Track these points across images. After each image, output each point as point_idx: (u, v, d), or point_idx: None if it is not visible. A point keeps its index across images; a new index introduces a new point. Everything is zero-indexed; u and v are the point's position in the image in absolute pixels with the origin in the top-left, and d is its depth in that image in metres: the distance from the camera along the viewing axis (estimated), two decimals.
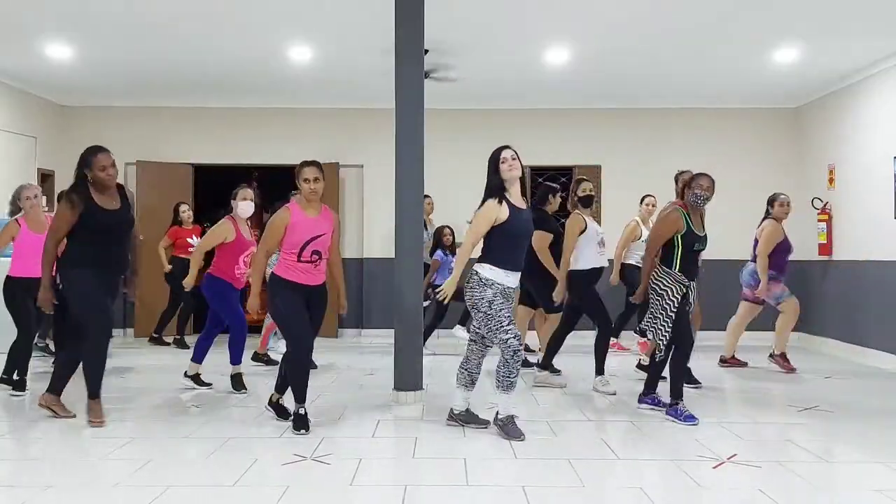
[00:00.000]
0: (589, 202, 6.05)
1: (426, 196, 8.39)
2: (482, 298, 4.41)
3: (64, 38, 6.98)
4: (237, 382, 5.79)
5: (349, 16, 6.28)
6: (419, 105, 5.55)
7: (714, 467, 3.90)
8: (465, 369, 4.71)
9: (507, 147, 4.54)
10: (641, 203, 7.71)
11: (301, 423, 4.54)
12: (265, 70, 7.98)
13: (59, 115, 9.51)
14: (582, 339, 6.86)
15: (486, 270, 4.44)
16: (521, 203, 4.55)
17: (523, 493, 3.46)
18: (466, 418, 4.74)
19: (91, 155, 4.63)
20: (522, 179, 4.59)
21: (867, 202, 7.75)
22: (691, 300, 5.01)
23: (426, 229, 8.33)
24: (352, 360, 7.55)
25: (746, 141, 9.48)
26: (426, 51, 6.03)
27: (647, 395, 5.19)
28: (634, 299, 5.33)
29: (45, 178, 9.16)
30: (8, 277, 5.76)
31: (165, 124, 9.51)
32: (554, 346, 6.13)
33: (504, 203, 4.45)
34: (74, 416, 4.83)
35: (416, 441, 4.40)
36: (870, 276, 7.59)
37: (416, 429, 4.73)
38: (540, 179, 9.59)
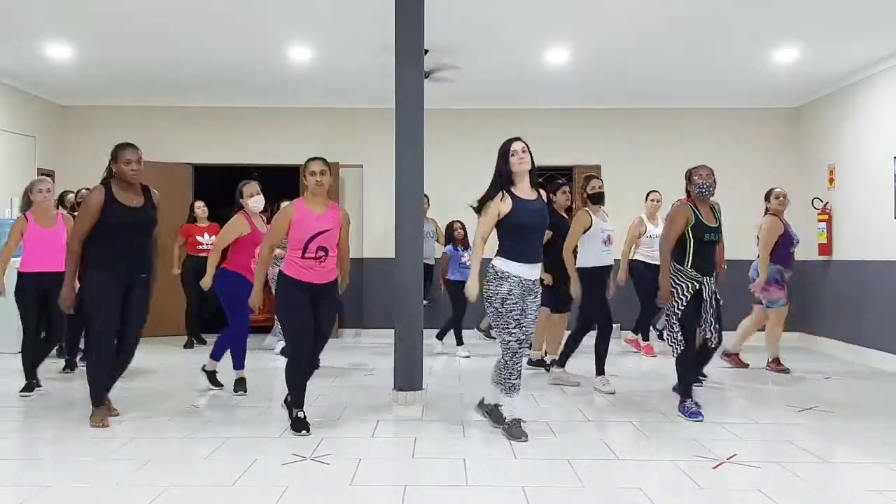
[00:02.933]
0: (599, 199, 6.03)
1: (424, 194, 8.41)
2: (496, 294, 4.41)
3: (64, 38, 6.98)
4: (239, 384, 5.79)
5: (349, 16, 6.28)
6: (419, 105, 5.55)
7: (714, 467, 3.90)
8: (497, 368, 4.65)
9: (517, 139, 4.53)
10: (647, 199, 7.71)
11: (301, 425, 4.53)
12: (265, 70, 7.98)
13: (59, 115, 9.52)
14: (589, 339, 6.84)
15: (501, 263, 4.45)
16: (529, 195, 4.51)
17: (523, 494, 3.46)
18: (493, 414, 4.68)
19: (119, 149, 4.71)
20: (532, 172, 4.54)
21: (867, 202, 7.75)
22: (705, 296, 4.95)
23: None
24: (352, 360, 7.55)
25: (746, 141, 9.48)
26: (426, 51, 6.03)
27: (682, 401, 5.08)
28: (659, 302, 5.13)
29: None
30: (19, 273, 5.73)
31: (165, 124, 9.52)
32: (572, 345, 6.06)
33: (507, 196, 4.44)
34: (117, 413, 4.91)
35: (416, 441, 4.40)
36: (870, 276, 7.59)
37: (416, 429, 4.72)
38: (539, 179, 9.59)
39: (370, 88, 8.55)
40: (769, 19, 6.32)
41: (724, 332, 5.17)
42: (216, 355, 5.85)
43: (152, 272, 4.91)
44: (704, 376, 6.11)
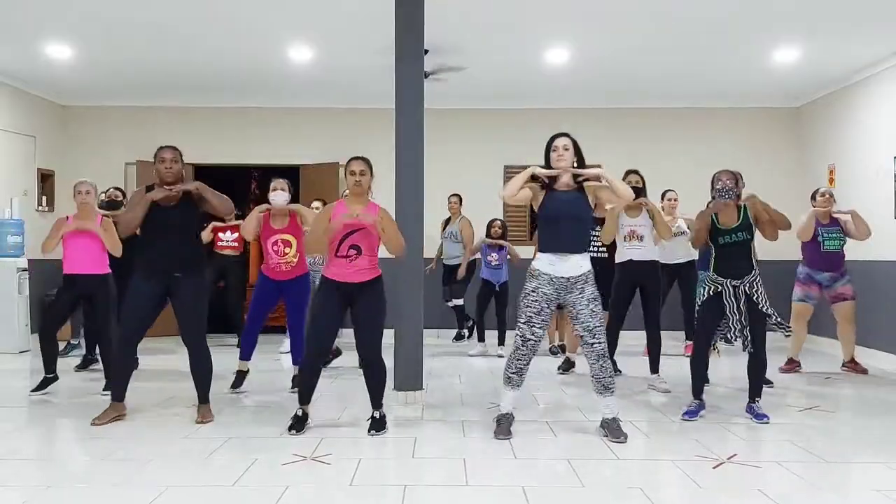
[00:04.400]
0: (636, 194, 6.01)
1: (456, 195, 8.47)
2: (525, 289, 4.48)
3: (64, 38, 6.99)
4: (237, 379, 5.82)
5: (349, 16, 6.28)
6: (419, 105, 5.55)
7: (714, 467, 3.90)
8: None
9: (560, 135, 4.53)
10: (662, 199, 7.59)
11: (294, 423, 4.56)
12: (265, 70, 7.99)
13: (59, 115, 9.52)
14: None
15: (536, 260, 4.49)
16: (567, 187, 4.49)
17: (523, 494, 3.45)
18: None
19: (158, 150, 4.78)
20: (581, 166, 4.51)
21: (867, 202, 7.74)
22: (725, 299, 4.89)
23: (449, 225, 8.39)
24: (352, 360, 7.54)
25: (747, 141, 9.48)
26: (426, 51, 6.03)
27: (690, 402, 5.11)
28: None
29: (45, 178, 9.17)
30: (63, 275, 5.74)
31: (165, 124, 9.50)
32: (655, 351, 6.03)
33: (543, 189, 4.49)
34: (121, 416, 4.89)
35: (416, 441, 4.40)
36: (870, 276, 7.58)
37: (416, 429, 4.73)
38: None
39: (370, 88, 8.55)
40: (770, 19, 6.32)
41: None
42: (298, 360, 5.86)
43: (194, 273, 4.77)
44: (770, 383, 6.03)
